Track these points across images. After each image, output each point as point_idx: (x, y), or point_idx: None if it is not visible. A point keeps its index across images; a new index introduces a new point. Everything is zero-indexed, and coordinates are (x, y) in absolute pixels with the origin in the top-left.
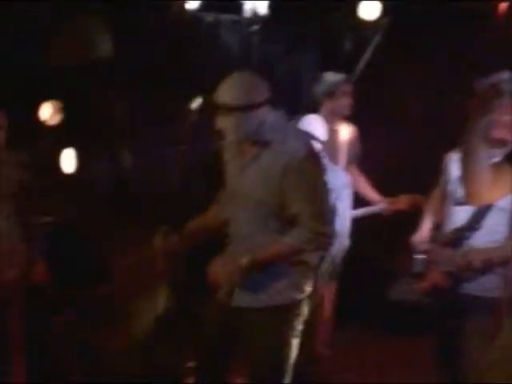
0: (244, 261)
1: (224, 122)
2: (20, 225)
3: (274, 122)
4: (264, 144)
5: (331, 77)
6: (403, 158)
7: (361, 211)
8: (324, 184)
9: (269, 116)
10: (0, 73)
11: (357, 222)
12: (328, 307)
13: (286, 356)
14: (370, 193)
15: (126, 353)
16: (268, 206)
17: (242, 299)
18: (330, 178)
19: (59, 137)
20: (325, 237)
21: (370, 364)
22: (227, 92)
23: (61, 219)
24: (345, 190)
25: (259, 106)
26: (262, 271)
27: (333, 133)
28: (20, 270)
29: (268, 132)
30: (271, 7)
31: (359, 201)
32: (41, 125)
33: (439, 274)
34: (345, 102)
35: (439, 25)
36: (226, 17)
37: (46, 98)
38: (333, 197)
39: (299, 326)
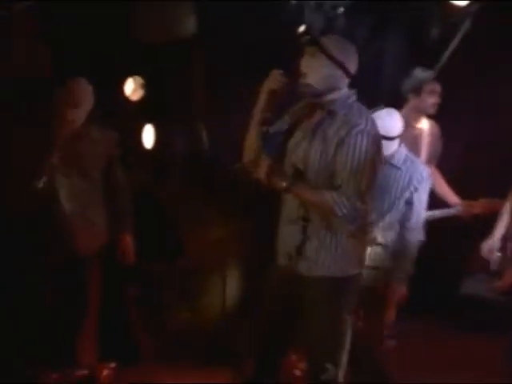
0: (285, 183)
1: (308, 63)
2: (106, 200)
3: (345, 97)
4: (330, 112)
5: (420, 73)
6: (483, 157)
7: (437, 212)
8: (374, 163)
9: (343, 90)
10: (84, 48)
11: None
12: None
13: (341, 332)
14: (448, 194)
15: (192, 329)
16: (320, 173)
17: (301, 266)
18: (410, 168)
19: (140, 112)
20: (357, 212)
21: (441, 362)
22: (330, 40)
23: (139, 193)
24: (423, 184)
25: (346, 72)
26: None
27: (415, 130)
28: (102, 244)
29: (338, 103)
30: None
31: (436, 201)
32: (123, 100)
33: None
34: (431, 101)
35: None
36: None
37: (128, 74)
38: (410, 189)
39: (353, 302)
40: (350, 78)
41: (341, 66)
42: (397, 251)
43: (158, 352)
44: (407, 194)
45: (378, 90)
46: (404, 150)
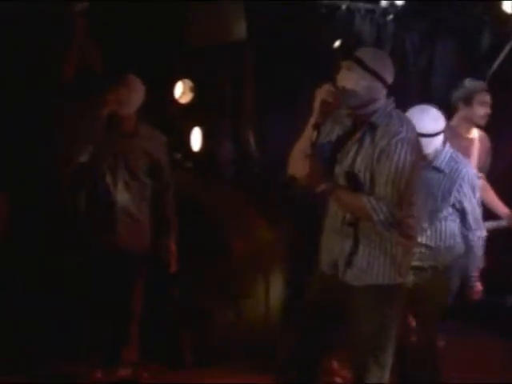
0: (325, 185)
1: (344, 77)
2: (152, 200)
3: (384, 107)
4: (372, 124)
5: (470, 84)
6: None
7: (487, 224)
8: (413, 170)
9: (382, 100)
10: (136, 49)
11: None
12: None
13: (386, 338)
14: (499, 205)
15: (233, 333)
16: (365, 182)
17: (349, 275)
18: (454, 170)
19: (189, 115)
20: (394, 218)
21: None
22: (365, 53)
23: (186, 195)
24: (467, 185)
25: (383, 82)
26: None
27: (465, 141)
28: (147, 242)
29: (378, 114)
30: None
31: (486, 213)
32: (173, 103)
33: None
34: (481, 112)
35: None
36: (361, 5)
37: (178, 77)
38: (454, 192)
39: (399, 309)
40: (388, 87)
41: (377, 76)
42: (466, 253)
43: (198, 355)
44: (452, 198)
45: (428, 97)
46: (449, 151)
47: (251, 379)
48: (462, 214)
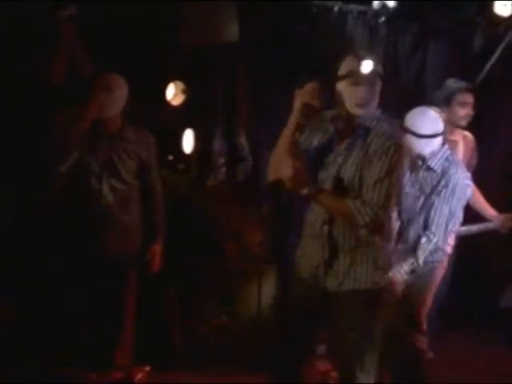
0: (309, 189)
1: (370, 92)
2: (141, 202)
3: (375, 111)
4: (365, 128)
5: (451, 84)
6: None
7: (474, 227)
8: (399, 173)
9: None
10: (126, 52)
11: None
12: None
13: (371, 343)
14: (485, 207)
15: (225, 333)
16: (354, 185)
17: (331, 282)
18: (445, 172)
19: (181, 117)
20: (379, 220)
21: (478, 374)
22: (374, 59)
23: (179, 196)
24: (452, 190)
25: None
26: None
27: (448, 142)
28: (136, 245)
29: (371, 118)
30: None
31: (473, 215)
32: (164, 105)
33: None
34: (462, 113)
35: None
36: (353, 7)
37: (170, 79)
38: (438, 193)
39: (382, 313)
40: None
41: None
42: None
43: (191, 356)
44: (435, 197)
45: (420, 98)
46: (446, 152)
47: (244, 380)
48: (431, 218)
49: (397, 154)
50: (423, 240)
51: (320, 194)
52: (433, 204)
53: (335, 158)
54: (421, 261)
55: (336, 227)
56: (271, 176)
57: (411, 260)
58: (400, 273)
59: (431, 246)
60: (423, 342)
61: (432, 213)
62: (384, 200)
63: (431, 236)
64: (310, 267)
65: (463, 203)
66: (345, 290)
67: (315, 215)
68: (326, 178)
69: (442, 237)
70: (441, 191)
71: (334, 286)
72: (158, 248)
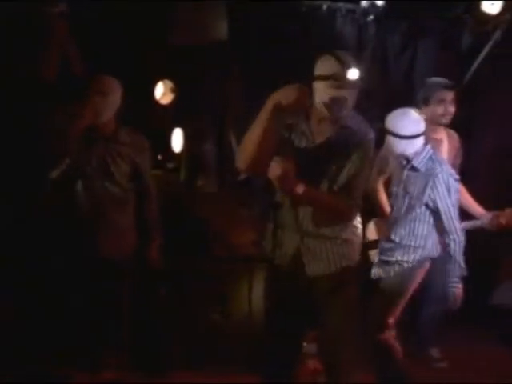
0: (299, 188)
1: (352, 94)
2: (134, 204)
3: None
4: (344, 127)
5: (430, 83)
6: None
7: (462, 225)
8: (370, 167)
9: None
10: (116, 50)
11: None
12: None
13: (351, 331)
14: (473, 205)
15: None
16: (336, 182)
17: (307, 268)
18: (430, 171)
19: (170, 116)
20: (357, 212)
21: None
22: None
23: (169, 195)
24: (441, 187)
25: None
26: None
27: (432, 141)
28: (130, 248)
29: (348, 117)
30: None
31: (461, 213)
32: (153, 104)
33: None
34: (439, 111)
35: None
36: (341, 5)
37: (159, 78)
38: (428, 192)
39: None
40: None
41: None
42: (444, 258)
43: (186, 356)
44: (425, 196)
45: (409, 97)
46: (429, 152)
47: (238, 380)
48: (437, 214)
49: (371, 151)
50: (409, 237)
51: (308, 192)
52: (421, 204)
53: (314, 156)
54: (405, 256)
55: (307, 215)
56: (241, 164)
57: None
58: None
59: (456, 245)
60: (393, 339)
61: (420, 212)
62: (360, 194)
63: (451, 236)
64: (286, 255)
65: (451, 202)
66: (320, 274)
67: (289, 205)
68: (310, 176)
69: (459, 231)
70: (428, 191)
71: (311, 271)
72: (155, 249)
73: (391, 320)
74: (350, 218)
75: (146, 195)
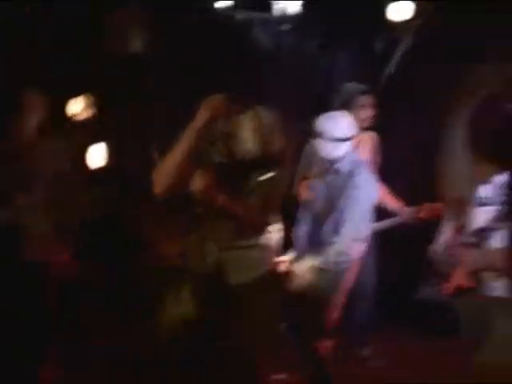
0: (222, 198)
1: None
2: (54, 215)
3: None
4: None
5: (348, 87)
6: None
7: (383, 223)
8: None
9: None
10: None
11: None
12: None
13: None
14: (392, 202)
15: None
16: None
17: (232, 278)
18: (351, 175)
19: (91, 130)
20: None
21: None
22: None
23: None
24: (358, 191)
25: None
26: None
27: (353, 144)
28: (47, 258)
29: None
30: (303, 6)
31: (381, 212)
32: (73, 118)
33: (463, 275)
34: (361, 115)
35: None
36: (257, 15)
37: (79, 92)
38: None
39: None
40: None
41: None
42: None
43: None
44: (345, 199)
45: (329, 102)
46: (353, 156)
47: None
48: (356, 214)
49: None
50: (333, 240)
51: (231, 202)
52: (344, 206)
53: (233, 168)
54: (330, 259)
55: (227, 227)
56: (159, 188)
57: (320, 258)
58: (304, 266)
59: (341, 247)
60: (328, 348)
61: (343, 215)
62: (278, 203)
63: (341, 236)
64: (208, 267)
65: (372, 203)
66: (247, 282)
67: (208, 218)
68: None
69: (355, 234)
70: (350, 194)
71: (237, 279)
72: (65, 257)
73: (327, 327)
74: (267, 227)
75: (64, 205)
